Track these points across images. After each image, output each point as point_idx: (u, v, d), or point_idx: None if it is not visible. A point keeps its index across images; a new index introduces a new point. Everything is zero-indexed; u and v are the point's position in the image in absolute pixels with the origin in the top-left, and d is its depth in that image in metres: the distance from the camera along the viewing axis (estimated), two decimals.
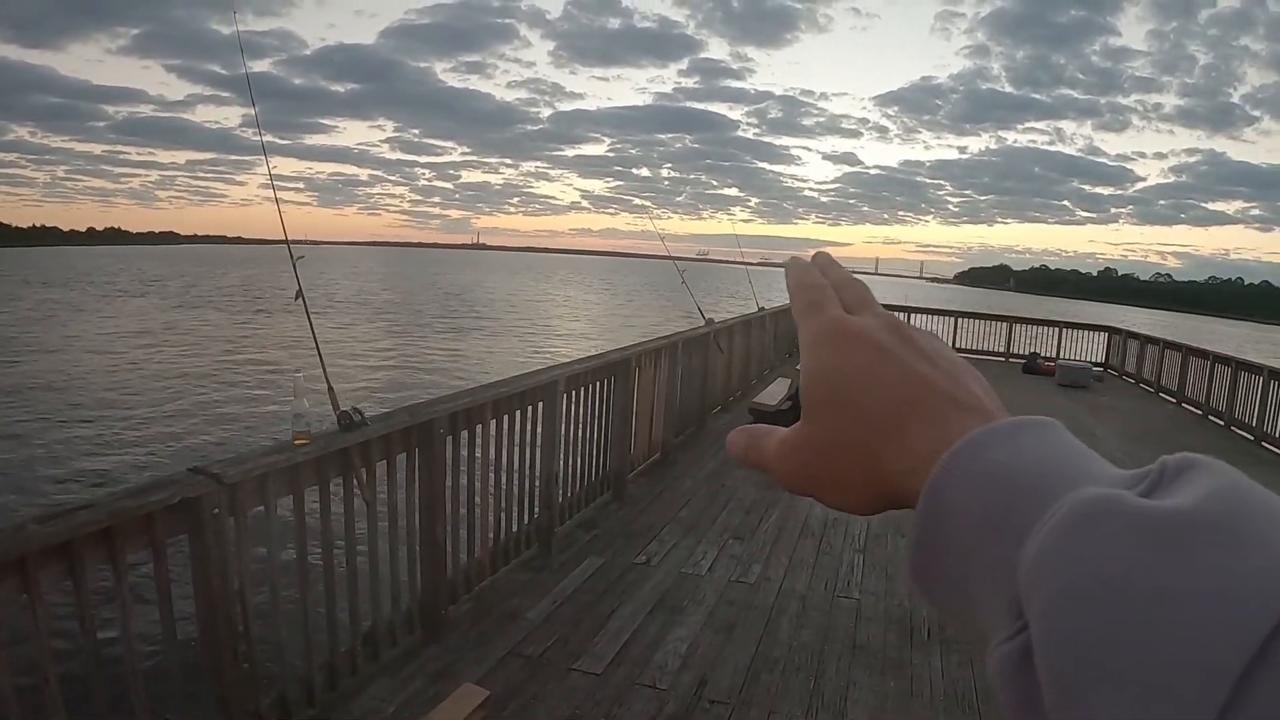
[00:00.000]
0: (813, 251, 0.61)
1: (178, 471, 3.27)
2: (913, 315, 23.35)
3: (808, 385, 0.50)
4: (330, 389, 4.27)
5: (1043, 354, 21.43)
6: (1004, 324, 23.16)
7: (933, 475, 0.40)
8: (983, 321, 23.63)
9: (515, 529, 5.91)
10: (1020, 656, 0.34)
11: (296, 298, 4.46)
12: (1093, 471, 0.38)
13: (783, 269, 0.59)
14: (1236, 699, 0.27)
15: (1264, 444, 13.40)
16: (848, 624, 5.45)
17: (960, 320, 23.37)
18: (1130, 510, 0.33)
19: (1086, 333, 23.24)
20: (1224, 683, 0.28)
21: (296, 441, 3.76)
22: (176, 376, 21.13)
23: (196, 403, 17.92)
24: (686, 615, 5.40)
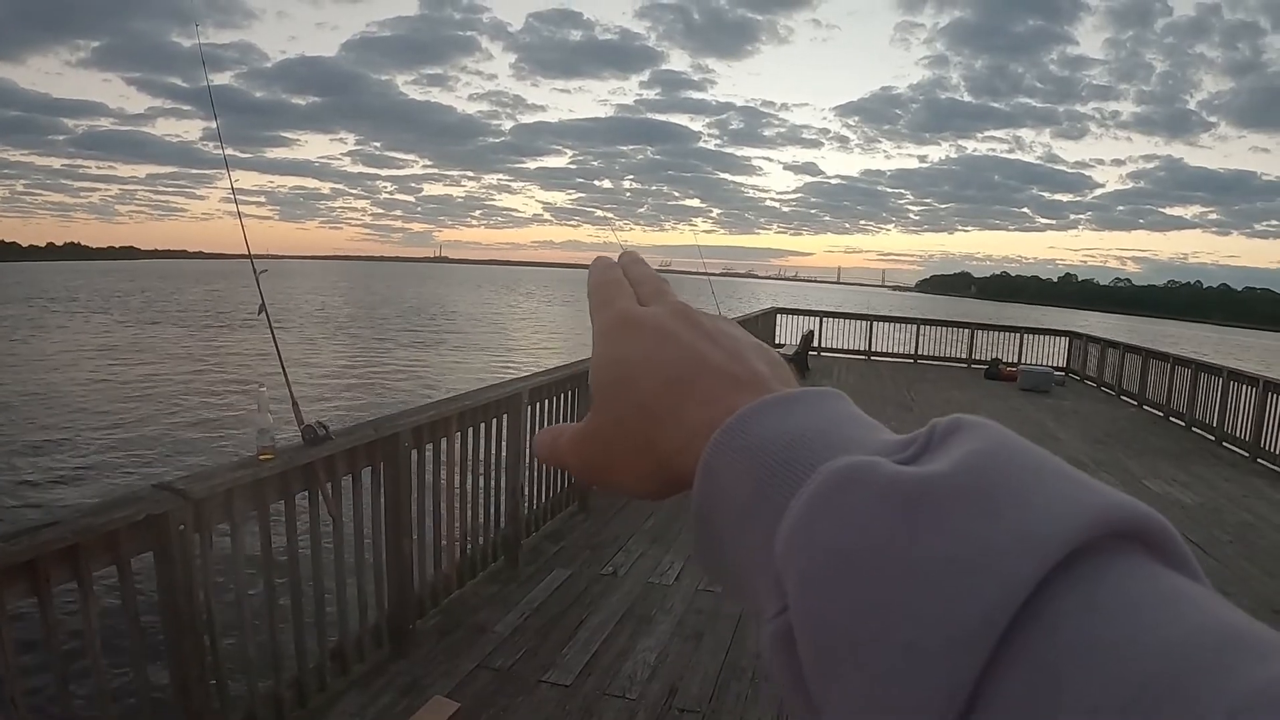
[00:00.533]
0: (620, 252, 0.61)
1: (143, 487, 3.25)
2: (875, 324, 23.50)
3: (594, 376, 0.50)
4: (294, 403, 4.26)
5: (1005, 360, 21.59)
6: (966, 330, 23.34)
7: (704, 454, 0.40)
8: (945, 328, 23.79)
9: (481, 542, 5.91)
10: (785, 635, 0.33)
11: (260, 312, 4.44)
12: (859, 440, 0.38)
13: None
14: (991, 673, 0.27)
15: (1224, 444, 13.60)
16: None
17: (923, 328, 23.55)
18: (881, 479, 0.33)
19: (1048, 338, 23.48)
20: (975, 655, 0.27)
21: (261, 456, 3.74)
22: (139, 393, 20.89)
23: (160, 419, 17.71)
24: (655, 625, 5.40)
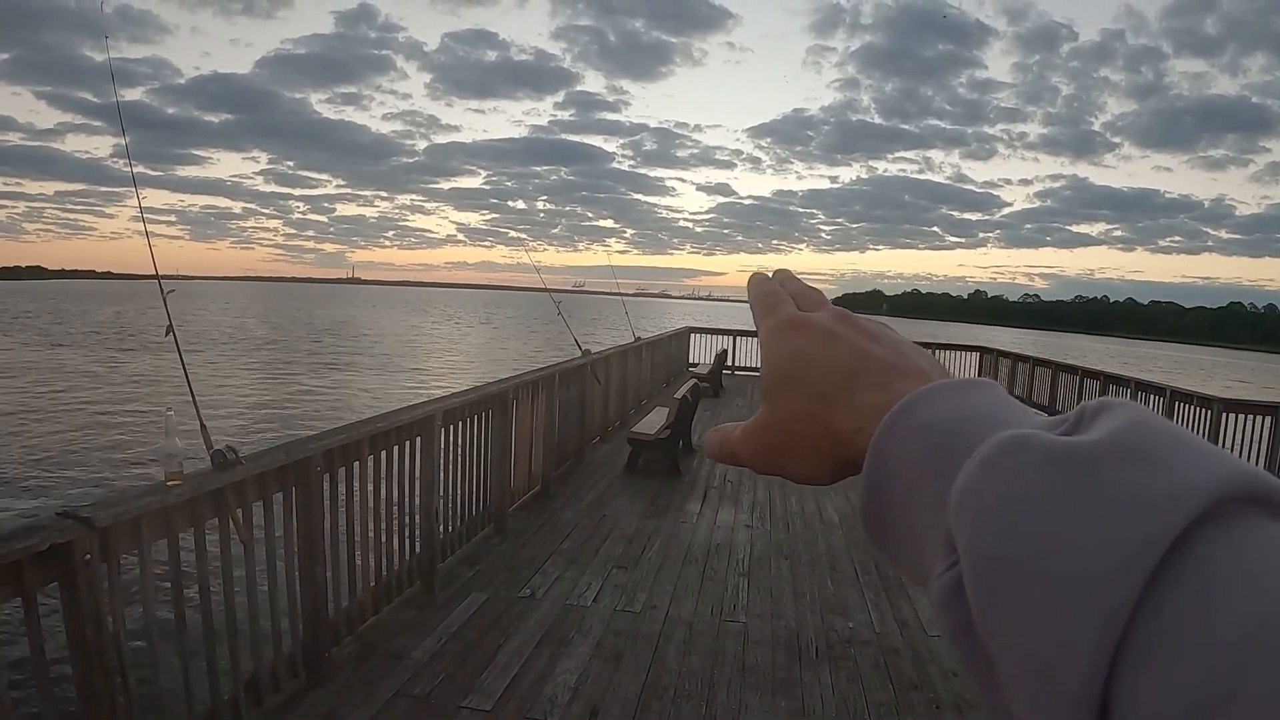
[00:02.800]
0: (774, 268, 0.67)
1: (46, 516, 3.13)
2: None
3: (766, 372, 0.55)
4: (203, 427, 4.17)
5: None
6: None
7: (877, 432, 0.45)
8: None
9: (397, 566, 5.81)
10: (954, 586, 0.37)
11: (167, 333, 4.34)
12: (1019, 418, 0.42)
13: (745, 286, 0.65)
14: (1149, 597, 0.31)
15: None
16: (736, 648, 5.49)
17: None
18: (1044, 443, 0.36)
19: (959, 353, 23.97)
20: (1133, 580, 0.31)
21: (169, 482, 3.64)
22: (42, 418, 20.27)
23: (63, 444, 17.15)
24: (574, 647, 5.37)
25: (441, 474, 6.42)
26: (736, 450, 0.57)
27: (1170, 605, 0.30)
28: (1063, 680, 0.31)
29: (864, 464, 0.46)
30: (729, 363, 22.47)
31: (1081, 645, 0.31)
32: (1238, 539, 0.31)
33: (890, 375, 0.50)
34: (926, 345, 19.67)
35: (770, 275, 0.65)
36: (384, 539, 5.58)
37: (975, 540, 0.36)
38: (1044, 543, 0.33)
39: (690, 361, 23.35)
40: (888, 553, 0.46)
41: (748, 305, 0.61)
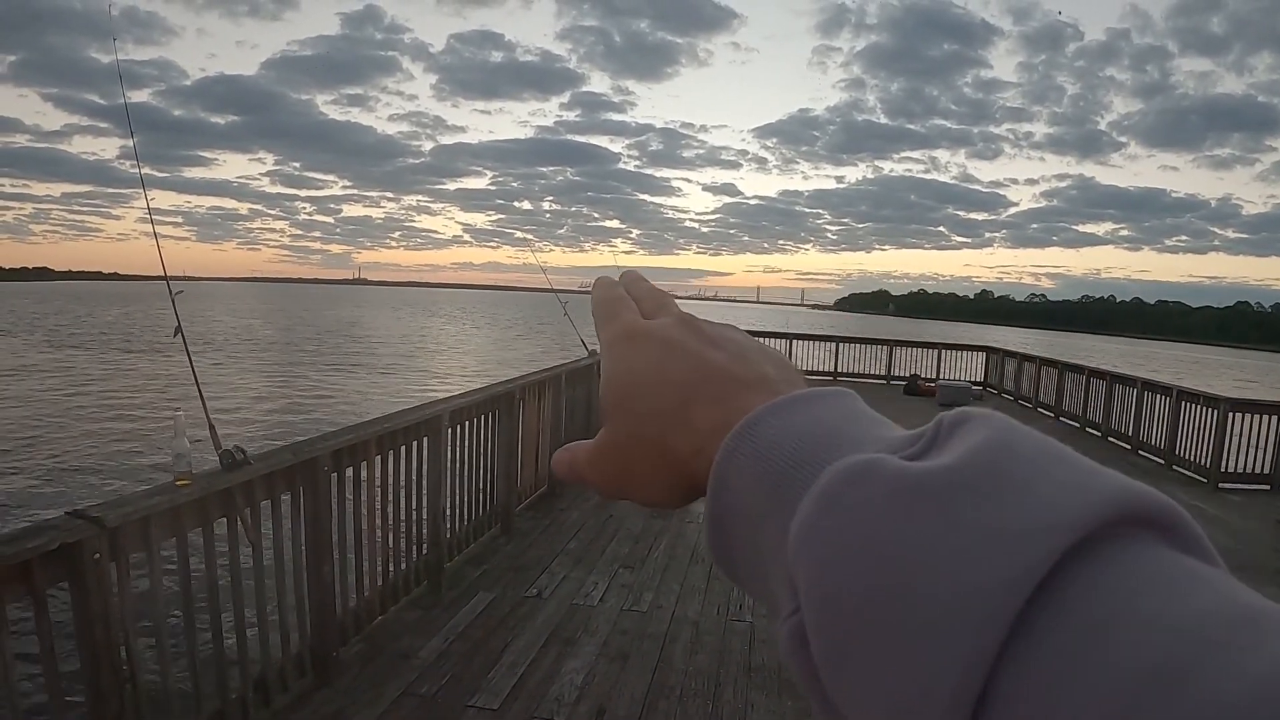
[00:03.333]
0: (621, 272, 0.62)
1: (56, 516, 3.15)
2: (794, 342, 23.70)
3: (604, 390, 0.51)
4: (211, 427, 4.18)
5: (923, 375, 21.96)
6: (884, 347, 23.66)
7: (716, 457, 0.41)
8: (864, 346, 24.06)
9: (404, 567, 5.82)
10: (799, 633, 0.34)
11: (175, 334, 4.34)
12: (866, 437, 0.38)
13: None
14: (1011, 648, 0.28)
15: (1140, 452, 14.11)
16: (742, 647, 5.49)
17: (842, 345, 23.75)
18: (887, 474, 0.33)
19: (965, 353, 23.91)
20: (993, 631, 0.28)
21: (178, 482, 3.66)
22: (52, 418, 20.30)
23: (74, 445, 17.20)
24: (580, 646, 5.38)
25: (448, 474, 6.44)
26: (583, 473, 0.53)
27: (1036, 657, 0.27)
28: None
29: (707, 493, 0.42)
30: None
31: (934, 705, 0.28)
32: (1114, 572, 0.29)
33: (730, 387, 0.46)
34: (933, 346, 19.62)
35: (616, 279, 0.61)
36: (391, 539, 5.60)
37: (814, 588, 0.33)
38: (890, 590, 0.30)
39: None
40: (740, 584, 0.43)
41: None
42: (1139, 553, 0.29)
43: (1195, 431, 12.49)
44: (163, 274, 4.58)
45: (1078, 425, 16.71)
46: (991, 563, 0.29)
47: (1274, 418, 11.95)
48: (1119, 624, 0.27)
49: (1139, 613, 0.27)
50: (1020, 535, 0.29)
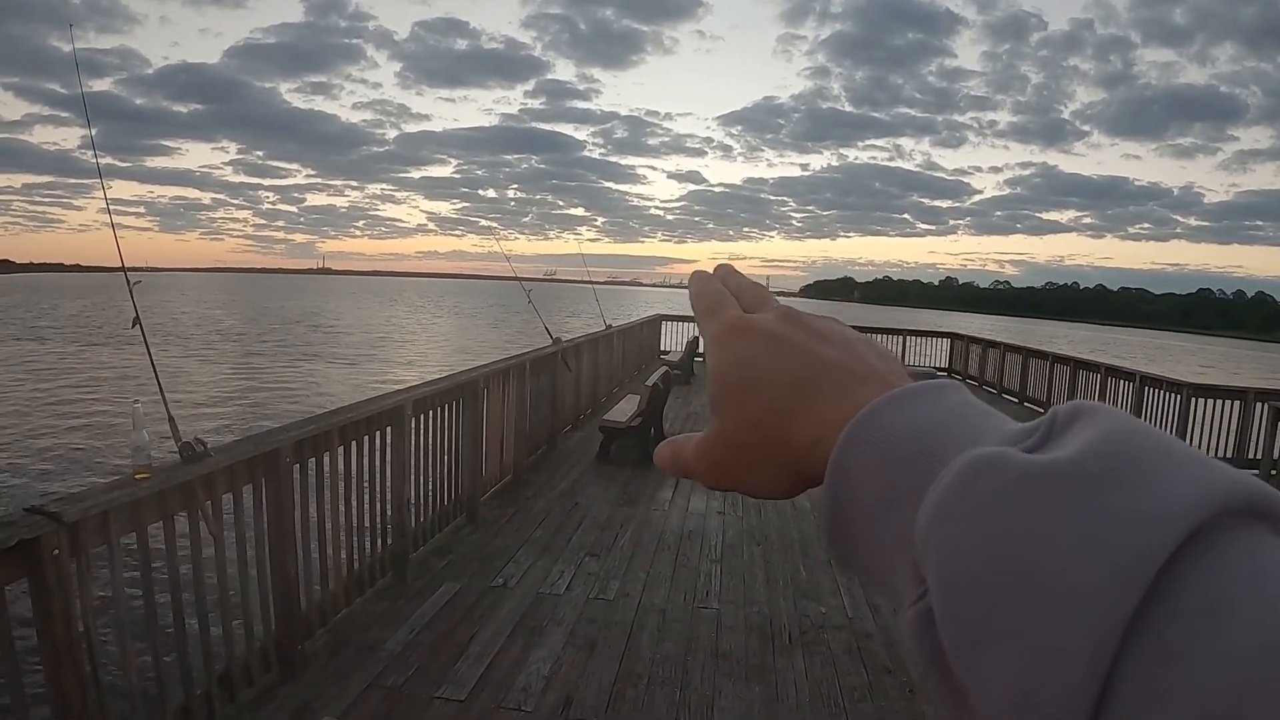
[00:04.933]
0: (716, 263, 0.62)
1: (14, 512, 3.10)
2: None
3: (714, 383, 0.51)
4: (171, 419, 4.13)
5: None
6: None
7: (835, 448, 0.42)
8: None
9: (369, 558, 5.79)
10: (925, 618, 0.35)
11: (134, 325, 4.30)
12: (985, 429, 0.39)
13: (685, 284, 0.62)
14: (1138, 626, 0.29)
15: None
16: (709, 634, 5.51)
17: None
18: (1013, 466, 0.34)
19: (930, 339, 24.17)
20: (1121, 610, 0.29)
21: (138, 475, 3.61)
22: (7, 412, 20.07)
23: (30, 439, 16.97)
24: (547, 636, 5.38)
25: (413, 464, 6.40)
26: (689, 465, 0.54)
27: (1162, 633, 0.29)
28: (1047, 716, 0.30)
29: (825, 483, 0.43)
30: (700, 350, 22.51)
31: (1067, 680, 0.29)
32: (1233, 557, 0.30)
33: (846, 381, 0.47)
34: (898, 332, 19.78)
35: (711, 272, 0.61)
36: (355, 530, 5.56)
37: (945, 573, 0.34)
38: (1022, 574, 0.31)
39: (662, 349, 23.35)
40: (856, 573, 0.44)
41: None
42: (1257, 540, 0.31)
43: (1158, 416, 12.68)
44: (121, 265, 4.53)
45: (1042, 410, 16.64)
46: (1120, 545, 0.30)
47: (1236, 402, 12.12)
48: (1242, 603, 0.28)
49: (1261, 593, 0.29)
50: (1145, 521, 0.31)
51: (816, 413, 0.46)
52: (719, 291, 0.57)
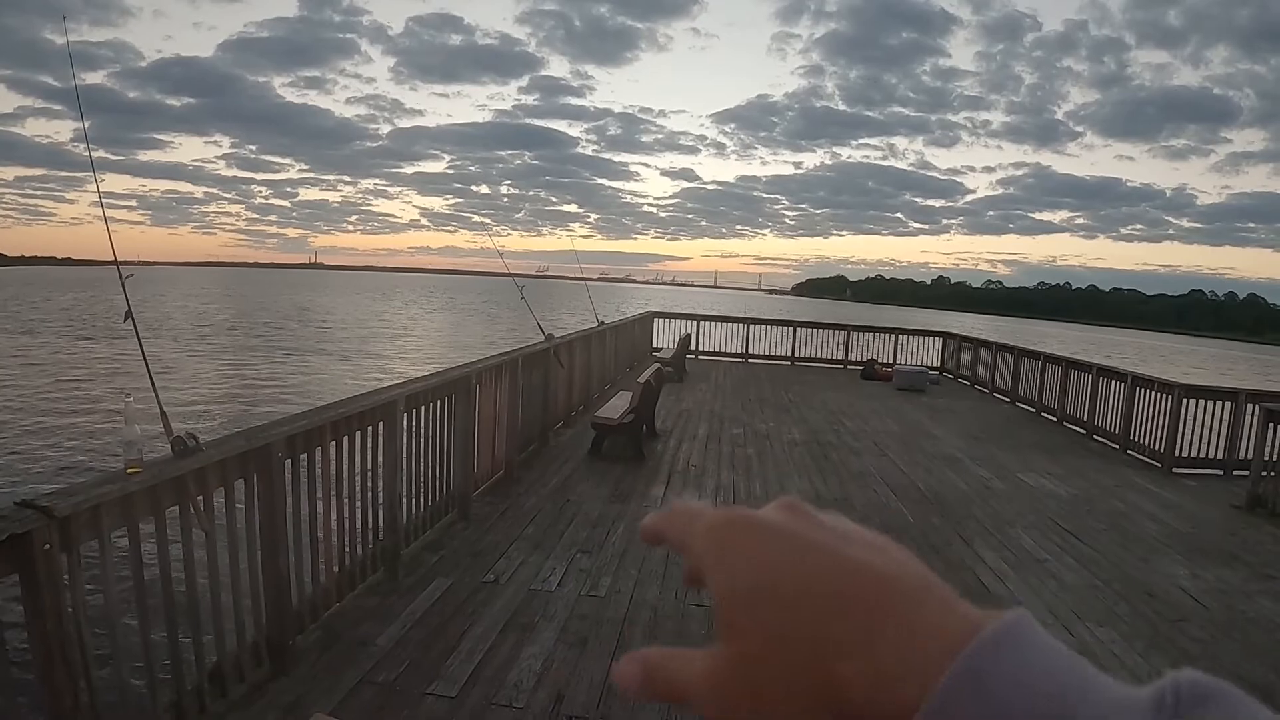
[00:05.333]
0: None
1: (4, 506, 3.09)
2: (753, 326, 23.83)
3: (722, 592, 0.42)
4: (163, 414, 4.11)
5: (880, 360, 22.24)
6: (842, 332, 23.89)
7: (928, 709, 0.34)
8: (821, 330, 24.29)
9: (360, 553, 5.78)
10: None
11: (126, 318, 4.28)
12: (1100, 695, 0.33)
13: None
14: None
15: (1095, 437, 14.40)
16: (700, 631, 5.54)
17: (799, 330, 23.97)
18: None
19: (922, 338, 24.32)
20: None
21: (129, 470, 3.60)
22: None
23: (22, 432, 16.94)
24: (539, 632, 5.38)
25: (404, 460, 6.39)
26: (688, 693, 0.42)
27: None
28: None
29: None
30: (692, 347, 22.55)
31: None
32: None
33: (904, 605, 0.38)
34: (890, 331, 19.84)
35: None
36: (347, 525, 5.55)
37: None
38: None
39: (654, 346, 23.37)
40: None
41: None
42: None
43: (1150, 417, 12.72)
44: (114, 258, 4.52)
45: (1034, 410, 16.96)
46: None
47: (1226, 403, 12.14)
48: None
49: None
50: None
51: (878, 649, 0.37)
52: (689, 505, 0.48)
